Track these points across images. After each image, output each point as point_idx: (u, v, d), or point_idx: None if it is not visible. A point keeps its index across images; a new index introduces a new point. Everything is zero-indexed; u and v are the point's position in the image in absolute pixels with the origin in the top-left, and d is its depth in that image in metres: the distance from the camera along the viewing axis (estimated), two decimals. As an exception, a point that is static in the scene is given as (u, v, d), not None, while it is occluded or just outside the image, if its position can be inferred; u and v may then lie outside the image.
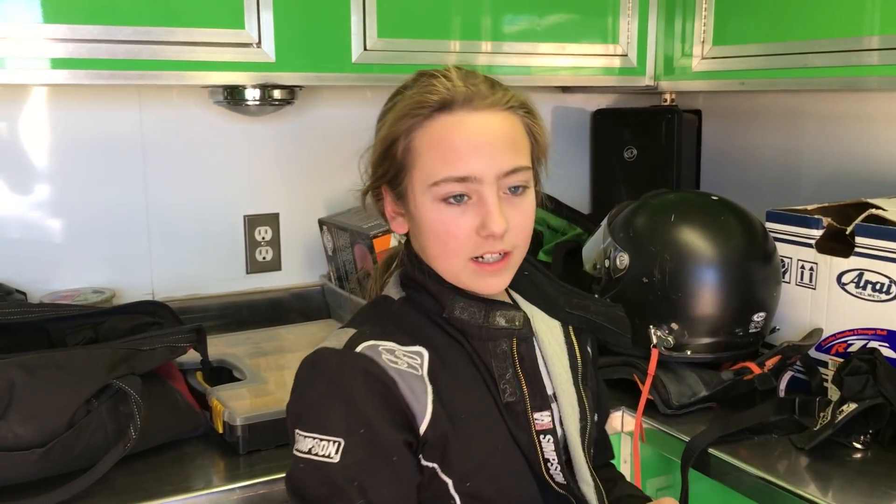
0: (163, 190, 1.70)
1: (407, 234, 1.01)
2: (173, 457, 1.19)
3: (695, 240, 1.36)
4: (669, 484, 1.37)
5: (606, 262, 1.44)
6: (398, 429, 0.88)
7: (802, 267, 1.40)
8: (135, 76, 1.33)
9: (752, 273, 1.37)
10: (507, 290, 1.04)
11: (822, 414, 1.25)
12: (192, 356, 1.32)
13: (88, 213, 1.65)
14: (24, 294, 1.54)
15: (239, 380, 1.37)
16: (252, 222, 1.79)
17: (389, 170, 0.96)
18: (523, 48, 1.68)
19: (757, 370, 1.34)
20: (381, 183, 0.98)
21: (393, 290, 1.01)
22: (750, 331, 1.37)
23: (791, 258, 1.42)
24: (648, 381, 1.33)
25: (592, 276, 1.50)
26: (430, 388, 0.90)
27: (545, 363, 1.01)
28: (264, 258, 1.82)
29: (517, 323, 0.98)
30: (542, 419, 0.97)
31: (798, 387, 1.38)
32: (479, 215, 0.91)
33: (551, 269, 1.74)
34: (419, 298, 0.99)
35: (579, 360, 1.04)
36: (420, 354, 0.93)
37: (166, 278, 1.73)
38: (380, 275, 1.09)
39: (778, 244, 1.42)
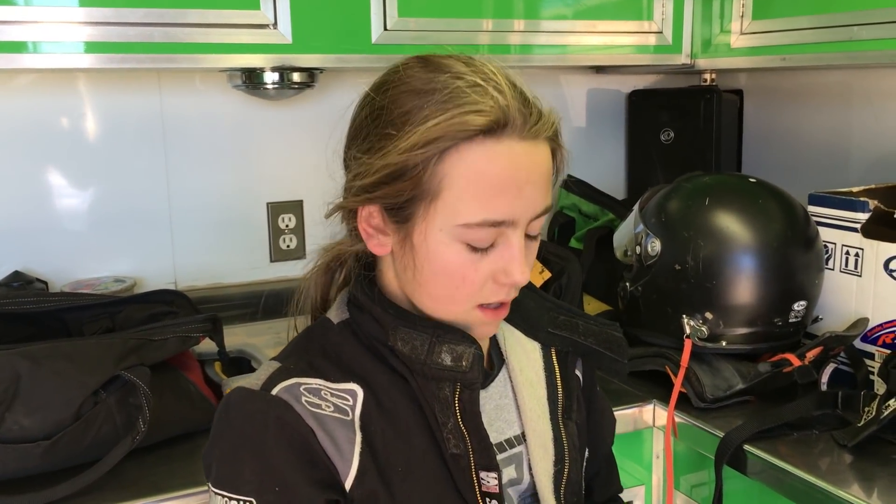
0: (185, 177, 1.69)
1: (373, 255, 0.86)
2: (186, 449, 1.16)
3: (731, 224, 1.30)
4: (703, 481, 1.31)
5: (637, 249, 1.38)
6: (319, 487, 0.77)
7: (847, 253, 1.33)
8: (147, 59, 1.31)
9: (793, 259, 1.30)
10: None
11: (866, 409, 1.18)
12: (212, 346, 1.29)
13: (110, 201, 1.64)
14: (45, 283, 1.53)
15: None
16: (275, 210, 1.77)
17: (402, 192, 0.77)
18: (557, 26, 1.61)
19: (797, 362, 1.28)
20: (381, 201, 0.80)
21: (335, 313, 0.88)
22: (790, 320, 1.31)
23: (835, 243, 1.35)
24: (681, 373, 1.27)
25: (623, 264, 1.44)
26: (359, 437, 0.79)
27: (515, 396, 0.89)
28: (288, 246, 1.79)
29: (464, 363, 0.82)
30: (487, 480, 0.82)
31: (841, 380, 1.32)
32: (500, 260, 0.79)
33: (583, 256, 1.69)
34: (363, 322, 0.85)
35: (560, 390, 0.91)
36: (353, 394, 0.81)
37: (189, 267, 1.71)
38: (317, 286, 0.93)
39: (821, 229, 1.35)
